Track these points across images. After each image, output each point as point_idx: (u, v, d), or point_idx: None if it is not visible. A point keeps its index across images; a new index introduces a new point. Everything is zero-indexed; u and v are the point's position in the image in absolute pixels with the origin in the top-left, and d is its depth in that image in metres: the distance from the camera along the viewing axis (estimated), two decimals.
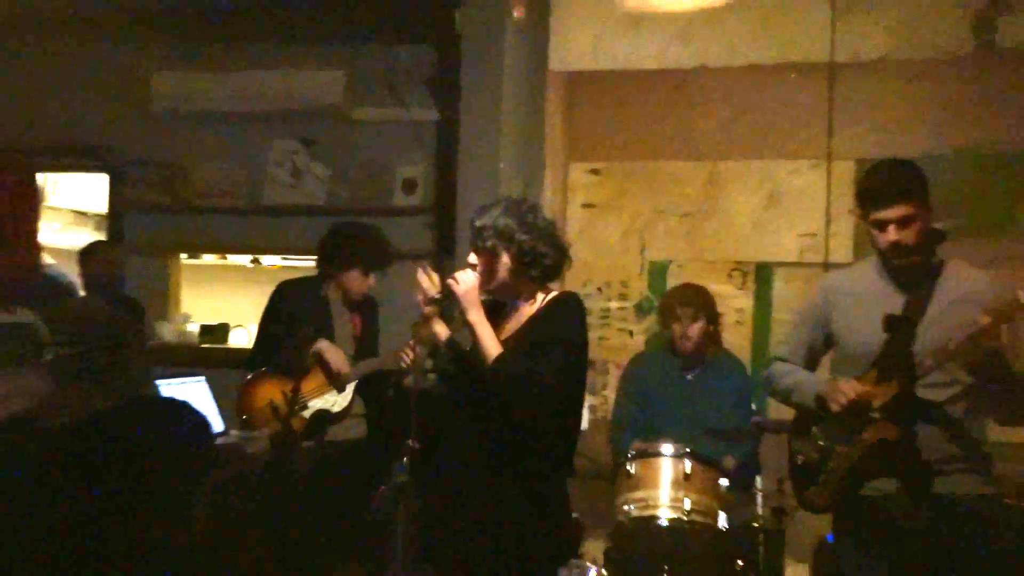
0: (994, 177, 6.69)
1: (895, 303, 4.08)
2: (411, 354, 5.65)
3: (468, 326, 4.28)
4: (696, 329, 6.10)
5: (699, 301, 6.13)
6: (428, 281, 4.36)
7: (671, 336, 6.19)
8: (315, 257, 6.03)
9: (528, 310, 4.34)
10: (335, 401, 5.72)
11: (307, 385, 5.71)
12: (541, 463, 4.21)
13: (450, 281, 4.30)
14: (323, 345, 5.73)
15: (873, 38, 6.75)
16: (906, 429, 3.95)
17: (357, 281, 5.87)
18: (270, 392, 5.71)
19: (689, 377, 6.21)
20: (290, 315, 5.82)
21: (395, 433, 6.11)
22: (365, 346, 5.97)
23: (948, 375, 4.02)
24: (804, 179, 7.03)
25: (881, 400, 4.04)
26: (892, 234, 4.05)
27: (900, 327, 3.90)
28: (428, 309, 4.36)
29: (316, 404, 5.72)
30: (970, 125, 6.71)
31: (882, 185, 4.08)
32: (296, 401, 5.63)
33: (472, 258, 4.36)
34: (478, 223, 4.32)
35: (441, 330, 4.37)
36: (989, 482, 4.11)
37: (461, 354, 4.34)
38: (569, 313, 4.29)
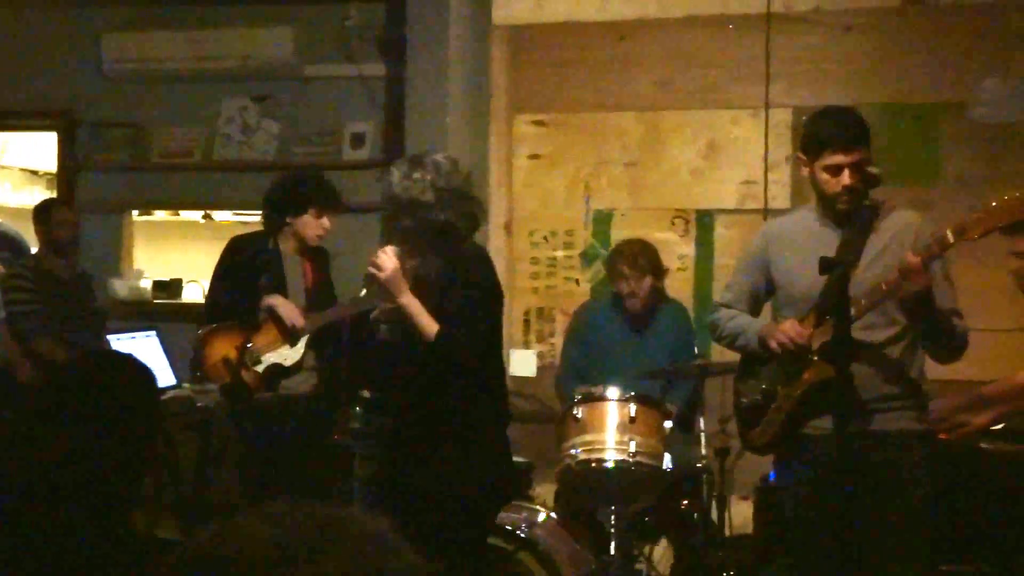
0: (920, 127, 6.84)
1: (833, 247, 4.11)
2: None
3: (399, 308, 4.35)
4: (643, 288, 6.10)
5: (645, 261, 6.10)
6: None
7: (618, 293, 6.19)
8: (263, 212, 5.98)
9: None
10: (287, 355, 5.67)
11: (260, 340, 5.69)
12: (475, 410, 4.35)
13: (371, 270, 4.37)
14: (275, 300, 5.70)
15: None
16: (843, 369, 3.97)
17: (311, 226, 5.79)
18: (224, 348, 5.67)
19: (636, 331, 6.24)
20: (242, 269, 5.81)
21: (348, 384, 6.23)
22: (319, 297, 5.93)
23: (886, 316, 4.15)
24: (743, 128, 7.11)
25: (819, 341, 4.12)
26: (847, 178, 4.09)
27: (835, 269, 3.92)
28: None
29: (270, 358, 5.68)
30: (899, 76, 6.85)
31: (840, 130, 4.13)
32: (248, 355, 5.65)
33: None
34: (398, 222, 4.36)
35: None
36: (923, 419, 4.23)
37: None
38: (478, 266, 4.39)
